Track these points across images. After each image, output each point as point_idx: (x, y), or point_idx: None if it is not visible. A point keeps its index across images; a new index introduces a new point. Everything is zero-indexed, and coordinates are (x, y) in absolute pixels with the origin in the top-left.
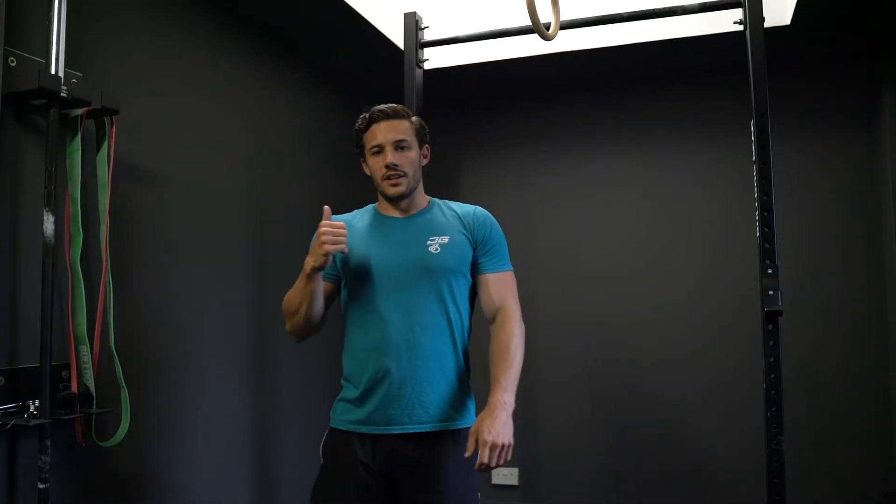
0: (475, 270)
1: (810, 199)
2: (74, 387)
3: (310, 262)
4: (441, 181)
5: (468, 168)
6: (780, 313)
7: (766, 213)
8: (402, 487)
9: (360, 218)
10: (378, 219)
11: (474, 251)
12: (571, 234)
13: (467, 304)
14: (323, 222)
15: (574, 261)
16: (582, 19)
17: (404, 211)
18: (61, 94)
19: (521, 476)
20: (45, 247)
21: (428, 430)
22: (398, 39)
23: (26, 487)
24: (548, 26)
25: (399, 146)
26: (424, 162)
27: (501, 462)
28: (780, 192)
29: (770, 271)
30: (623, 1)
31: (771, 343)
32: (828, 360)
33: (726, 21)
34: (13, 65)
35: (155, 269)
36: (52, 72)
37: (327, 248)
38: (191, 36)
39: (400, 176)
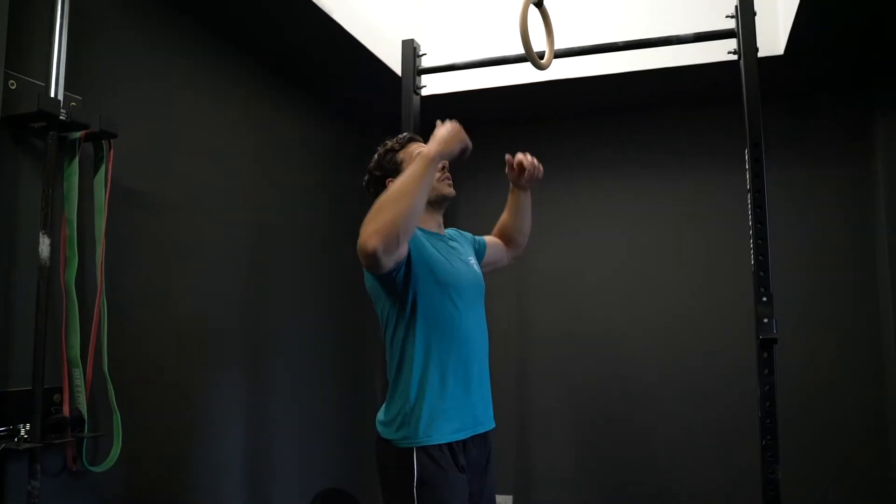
0: (485, 254)
1: (804, 226)
2: (66, 410)
3: (440, 148)
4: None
5: (465, 193)
6: (774, 341)
7: (760, 241)
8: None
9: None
10: (432, 233)
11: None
12: (567, 259)
13: None
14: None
15: (570, 286)
16: (577, 48)
17: (439, 226)
18: (60, 118)
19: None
20: (41, 269)
21: (488, 428)
22: (396, 66)
23: None
24: (542, 55)
25: None
26: None
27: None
28: (774, 220)
29: (765, 299)
30: (618, 30)
31: (766, 371)
32: (822, 387)
33: (721, 51)
34: (13, 88)
35: (150, 292)
36: (52, 95)
37: (465, 143)
38: (190, 62)
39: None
